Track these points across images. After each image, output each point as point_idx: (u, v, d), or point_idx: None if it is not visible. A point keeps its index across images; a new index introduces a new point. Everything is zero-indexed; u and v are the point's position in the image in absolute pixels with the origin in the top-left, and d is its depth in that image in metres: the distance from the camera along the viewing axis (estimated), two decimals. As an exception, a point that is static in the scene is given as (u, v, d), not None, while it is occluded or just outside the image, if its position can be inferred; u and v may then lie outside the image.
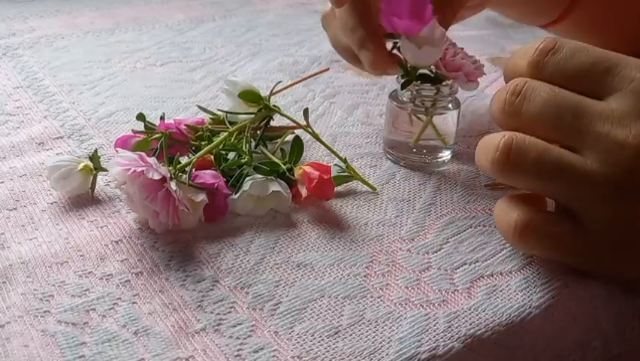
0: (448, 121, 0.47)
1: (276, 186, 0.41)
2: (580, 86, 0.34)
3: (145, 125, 0.45)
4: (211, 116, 0.50)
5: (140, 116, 0.45)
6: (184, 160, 0.42)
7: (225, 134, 0.45)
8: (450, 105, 0.47)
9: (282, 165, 0.44)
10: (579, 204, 0.34)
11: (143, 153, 0.39)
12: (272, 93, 0.49)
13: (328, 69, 0.58)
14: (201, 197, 0.40)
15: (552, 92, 0.34)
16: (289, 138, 0.50)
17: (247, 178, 0.42)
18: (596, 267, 0.36)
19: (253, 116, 0.48)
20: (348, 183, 0.46)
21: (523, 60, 0.36)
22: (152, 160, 0.38)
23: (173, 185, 0.38)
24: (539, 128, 0.34)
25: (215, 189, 0.41)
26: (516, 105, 0.35)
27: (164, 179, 0.37)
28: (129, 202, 0.40)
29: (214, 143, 0.44)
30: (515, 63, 0.37)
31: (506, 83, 0.37)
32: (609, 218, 0.33)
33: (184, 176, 0.40)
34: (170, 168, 0.39)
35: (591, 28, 0.45)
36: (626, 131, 0.32)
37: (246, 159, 0.43)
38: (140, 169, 0.37)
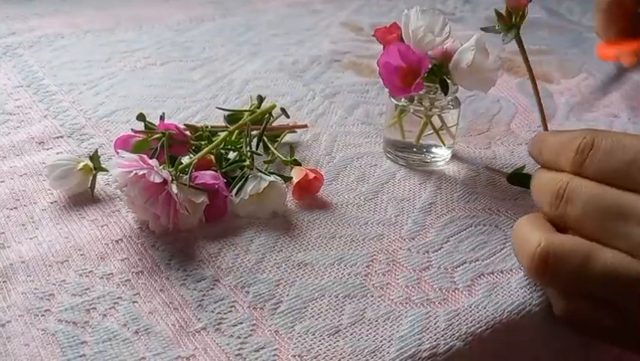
0: (448, 120, 0.47)
1: (272, 178, 0.41)
2: (624, 184, 0.32)
3: (145, 126, 0.45)
4: (228, 112, 0.50)
5: (141, 117, 0.45)
6: (185, 160, 0.42)
7: (225, 134, 0.45)
8: (450, 104, 0.47)
9: (288, 161, 0.45)
10: (629, 305, 0.32)
11: (144, 155, 0.39)
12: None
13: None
14: (202, 198, 0.40)
15: (593, 193, 0.33)
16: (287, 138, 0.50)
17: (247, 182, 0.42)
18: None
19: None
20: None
21: (563, 156, 0.35)
22: (154, 162, 0.38)
23: (174, 188, 0.38)
24: (585, 229, 0.33)
25: (215, 190, 0.41)
26: (560, 209, 0.34)
27: (165, 182, 0.37)
28: (130, 204, 0.40)
29: (214, 143, 0.44)
30: (555, 157, 0.36)
31: (541, 165, 0.37)
32: None
33: (184, 177, 0.40)
34: (172, 169, 0.39)
35: None
36: None
37: (247, 163, 0.43)
38: (141, 172, 0.37)
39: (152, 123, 0.45)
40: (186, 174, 0.40)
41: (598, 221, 0.32)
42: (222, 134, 0.45)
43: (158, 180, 0.37)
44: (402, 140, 0.48)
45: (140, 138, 0.44)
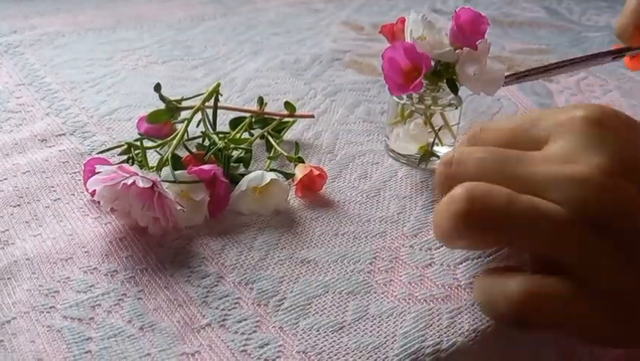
0: (449, 119, 0.48)
1: (273, 176, 0.41)
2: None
3: (161, 96, 0.46)
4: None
5: (157, 87, 0.46)
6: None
7: (192, 110, 0.46)
8: (452, 103, 0.47)
9: (293, 158, 0.46)
10: (561, 252, 0.30)
11: (123, 165, 0.38)
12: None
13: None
14: (201, 195, 0.40)
15: (485, 151, 0.33)
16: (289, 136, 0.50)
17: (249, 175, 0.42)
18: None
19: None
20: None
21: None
22: (135, 168, 0.38)
23: (164, 186, 0.38)
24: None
25: (212, 176, 0.40)
26: (453, 172, 0.33)
27: (154, 184, 0.37)
28: (123, 216, 0.39)
29: (182, 128, 0.44)
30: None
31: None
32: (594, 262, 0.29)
33: (177, 172, 0.40)
34: (152, 167, 0.40)
35: None
36: (576, 166, 0.29)
37: (242, 154, 0.44)
38: (130, 180, 0.37)
39: (168, 98, 0.47)
40: (167, 165, 0.41)
41: (496, 174, 0.31)
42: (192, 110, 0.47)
43: (147, 184, 0.37)
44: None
45: (158, 110, 0.47)
